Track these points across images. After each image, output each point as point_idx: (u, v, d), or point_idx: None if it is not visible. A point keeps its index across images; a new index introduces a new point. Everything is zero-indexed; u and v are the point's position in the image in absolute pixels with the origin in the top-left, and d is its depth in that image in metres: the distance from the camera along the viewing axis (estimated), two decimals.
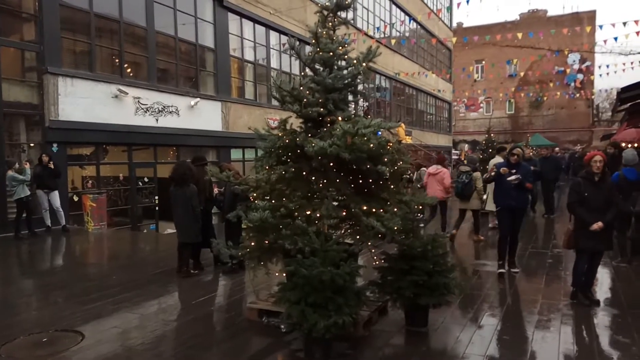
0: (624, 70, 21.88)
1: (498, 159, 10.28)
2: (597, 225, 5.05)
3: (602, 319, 4.95)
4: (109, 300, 5.61)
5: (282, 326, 4.43)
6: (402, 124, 19.52)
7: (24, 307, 5.64)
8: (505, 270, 6.59)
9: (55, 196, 10.36)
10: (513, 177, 6.30)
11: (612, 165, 8.11)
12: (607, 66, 24.56)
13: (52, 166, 10.05)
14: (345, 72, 4.56)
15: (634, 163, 7.12)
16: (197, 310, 5.33)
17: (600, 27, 16.99)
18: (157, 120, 12.97)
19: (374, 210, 4.22)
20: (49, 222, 10.40)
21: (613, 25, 16.07)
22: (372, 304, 4.71)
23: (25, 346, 4.40)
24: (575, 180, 5.43)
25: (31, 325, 4.89)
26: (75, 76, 11.06)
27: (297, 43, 4.73)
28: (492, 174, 6.73)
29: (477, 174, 9.06)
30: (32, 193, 10.02)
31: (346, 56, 4.64)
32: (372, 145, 3.95)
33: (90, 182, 12.57)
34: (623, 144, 11.99)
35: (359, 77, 4.59)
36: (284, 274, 4.37)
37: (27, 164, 10.03)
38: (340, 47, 4.56)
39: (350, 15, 4.87)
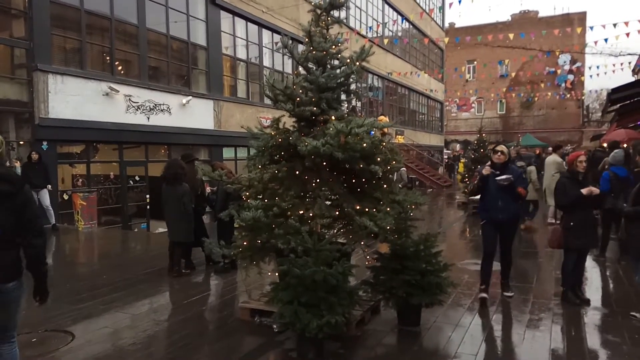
0: (614, 71, 22.11)
1: (555, 158, 10.46)
2: (588, 190, 5.14)
3: (592, 318, 4.98)
4: (99, 300, 5.56)
5: (275, 326, 4.42)
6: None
7: None
8: (487, 295, 5.42)
9: (45, 195, 10.24)
10: (503, 177, 5.26)
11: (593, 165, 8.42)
12: (598, 67, 24.82)
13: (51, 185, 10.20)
14: (338, 71, 4.55)
15: (621, 163, 7.36)
16: (188, 310, 5.30)
17: (591, 28, 17.16)
18: (148, 118, 12.87)
19: (366, 209, 4.22)
20: None
21: (603, 26, 16.23)
22: (364, 304, 4.72)
23: None
24: (560, 181, 5.50)
25: (20, 325, 4.81)
26: (66, 73, 10.94)
27: (290, 42, 4.70)
28: (475, 182, 5.56)
29: (532, 168, 10.18)
30: None
31: (339, 55, 4.64)
32: (365, 144, 3.95)
33: (80, 180, 12.45)
34: (605, 144, 12.30)
35: (352, 76, 4.58)
36: (277, 274, 4.36)
37: (17, 162, 9.90)
38: (333, 46, 4.56)
39: (343, 14, 4.87)
